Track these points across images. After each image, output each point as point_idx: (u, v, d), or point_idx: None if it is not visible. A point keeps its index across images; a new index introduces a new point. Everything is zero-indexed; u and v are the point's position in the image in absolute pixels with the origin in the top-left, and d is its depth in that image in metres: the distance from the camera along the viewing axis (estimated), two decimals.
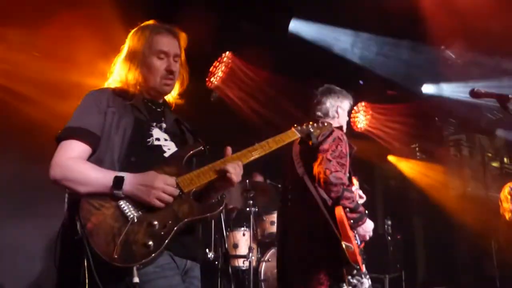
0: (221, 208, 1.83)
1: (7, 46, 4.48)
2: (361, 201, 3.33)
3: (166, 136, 1.97)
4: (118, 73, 2.01)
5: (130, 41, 2.04)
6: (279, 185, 6.11)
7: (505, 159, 8.40)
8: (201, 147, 1.98)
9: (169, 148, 1.93)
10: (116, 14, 4.36)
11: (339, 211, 2.80)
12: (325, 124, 2.35)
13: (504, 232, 5.63)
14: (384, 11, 4.76)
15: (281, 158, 3.26)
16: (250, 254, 4.77)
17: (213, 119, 5.86)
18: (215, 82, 4.93)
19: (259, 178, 5.88)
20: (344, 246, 2.74)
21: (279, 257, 3.20)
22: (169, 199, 1.69)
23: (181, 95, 2.16)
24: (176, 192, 1.72)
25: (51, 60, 4.71)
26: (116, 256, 1.56)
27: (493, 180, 8.01)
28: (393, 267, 6.59)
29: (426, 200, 7.71)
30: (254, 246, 4.97)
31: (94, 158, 1.80)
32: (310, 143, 2.31)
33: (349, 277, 2.84)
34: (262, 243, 5.28)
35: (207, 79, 4.72)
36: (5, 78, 4.48)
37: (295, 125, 2.25)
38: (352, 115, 7.76)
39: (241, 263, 5.00)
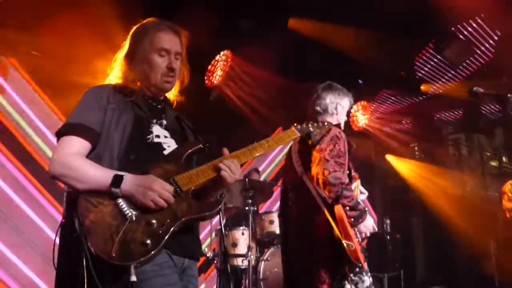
0: (219, 207, 1.82)
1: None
2: (363, 197, 3.34)
3: (166, 133, 1.96)
4: (119, 70, 2.01)
5: (131, 38, 2.03)
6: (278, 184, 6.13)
7: (503, 158, 8.41)
8: (200, 145, 1.97)
9: (169, 145, 1.93)
10: (116, 13, 4.37)
11: (338, 209, 2.80)
12: (325, 123, 2.35)
13: (503, 231, 5.64)
14: (383, 8, 4.76)
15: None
16: (249, 253, 4.77)
17: (212, 118, 5.87)
18: (214, 81, 4.93)
19: (255, 176, 5.88)
20: (345, 244, 2.74)
21: (283, 259, 3.20)
22: (164, 204, 1.68)
23: (181, 92, 2.16)
24: (172, 199, 1.71)
25: (50, 58, 4.73)
26: (113, 255, 1.56)
27: (491, 179, 8.02)
28: (392, 266, 6.60)
29: (425, 199, 7.73)
30: (253, 245, 4.96)
31: (94, 155, 1.80)
32: (310, 142, 2.30)
33: (351, 275, 2.85)
34: (261, 242, 5.27)
35: (206, 78, 4.71)
36: None
37: (295, 124, 2.24)
38: (351, 114, 7.77)
39: (240, 262, 4.99)
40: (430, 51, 5.55)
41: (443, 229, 7.38)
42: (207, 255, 4.87)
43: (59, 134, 1.82)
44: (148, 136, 1.89)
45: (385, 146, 8.22)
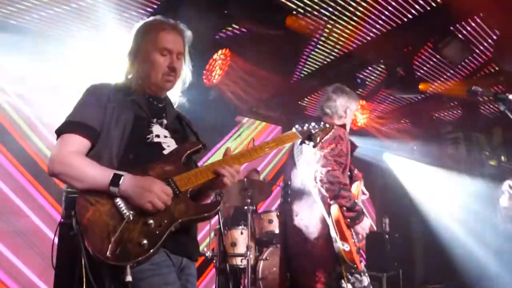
0: (217, 208, 1.82)
1: None
2: (364, 197, 3.35)
3: (166, 132, 1.95)
4: (119, 67, 2.01)
5: (134, 37, 2.03)
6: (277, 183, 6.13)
7: (502, 158, 8.42)
8: (200, 145, 1.97)
9: (169, 145, 1.92)
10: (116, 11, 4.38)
11: (335, 210, 2.81)
12: (327, 125, 2.36)
13: (501, 230, 5.65)
14: (382, 4, 4.76)
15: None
16: (248, 253, 4.77)
17: (212, 117, 5.87)
18: (213, 80, 4.92)
19: (254, 176, 5.88)
20: (340, 245, 2.75)
21: (281, 256, 3.21)
22: (161, 206, 1.68)
23: (183, 92, 2.15)
24: (169, 202, 1.70)
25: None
26: (109, 254, 1.56)
27: (490, 178, 8.02)
28: (391, 266, 6.60)
29: (424, 198, 7.73)
30: (252, 244, 4.96)
31: (93, 153, 1.79)
32: (311, 144, 2.29)
33: (348, 274, 2.85)
34: (260, 242, 5.27)
35: (204, 77, 4.69)
36: None
37: (296, 126, 2.24)
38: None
39: (239, 261, 4.99)
40: (429, 50, 5.55)
41: (441, 228, 7.39)
42: (206, 254, 4.87)
43: (59, 132, 1.81)
44: (148, 136, 1.88)
45: (383, 145, 8.22)
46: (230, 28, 4.97)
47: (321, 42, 5.39)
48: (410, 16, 5.01)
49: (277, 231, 4.99)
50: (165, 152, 1.89)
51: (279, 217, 3.35)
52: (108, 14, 4.43)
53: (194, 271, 1.93)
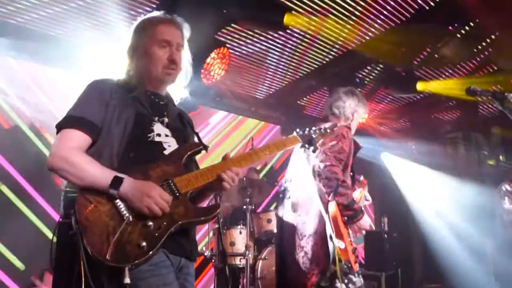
0: (216, 212, 1.82)
1: None
2: (366, 203, 3.35)
3: (167, 131, 1.95)
4: (121, 65, 2.00)
5: (132, 33, 2.03)
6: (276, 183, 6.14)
7: (501, 157, 8.43)
8: (201, 146, 1.97)
9: (170, 144, 1.91)
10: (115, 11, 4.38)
11: (333, 207, 2.80)
12: (328, 130, 2.36)
13: (500, 230, 5.65)
14: (381, 3, 4.76)
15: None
16: (247, 252, 4.77)
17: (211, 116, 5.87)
18: (213, 80, 4.91)
19: (254, 176, 5.88)
20: (335, 243, 2.74)
21: (276, 251, 3.21)
22: (158, 212, 1.67)
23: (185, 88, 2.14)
24: (167, 209, 1.69)
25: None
26: (108, 256, 1.55)
27: (489, 178, 8.03)
28: (389, 265, 6.61)
29: (422, 198, 7.74)
30: (251, 244, 4.97)
31: (93, 150, 1.78)
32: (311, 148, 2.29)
33: (342, 274, 2.85)
34: (259, 241, 5.27)
35: (202, 76, 4.68)
36: None
37: (297, 130, 2.24)
38: None
39: (238, 261, 5.00)
40: (428, 49, 5.55)
41: (440, 227, 7.39)
42: (205, 254, 4.87)
43: (59, 126, 1.80)
44: (149, 135, 1.87)
45: (382, 145, 8.23)
46: (229, 28, 4.96)
47: (319, 41, 5.39)
48: (408, 16, 5.01)
49: (275, 230, 4.99)
50: (166, 152, 1.88)
51: (278, 213, 3.35)
52: (108, 14, 4.43)
53: (192, 271, 1.93)
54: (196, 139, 2.09)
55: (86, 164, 1.70)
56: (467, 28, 5.20)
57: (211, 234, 5.29)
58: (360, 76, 6.10)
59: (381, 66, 6.07)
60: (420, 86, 5.93)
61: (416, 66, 5.91)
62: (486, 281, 6.24)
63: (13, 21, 4.45)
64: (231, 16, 4.55)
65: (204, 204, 2.10)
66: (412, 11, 4.95)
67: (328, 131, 2.38)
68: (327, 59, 5.85)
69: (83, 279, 1.55)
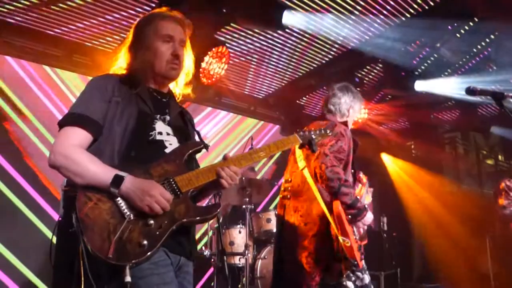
0: (217, 211, 1.82)
1: None
2: (367, 201, 3.34)
3: (169, 129, 1.94)
4: (124, 60, 1.99)
5: (135, 29, 2.02)
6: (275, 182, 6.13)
7: (499, 157, 8.45)
8: (202, 145, 1.96)
9: (171, 143, 1.91)
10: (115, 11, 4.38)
11: (336, 206, 2.80)
12: (328, 131, 2.36)
13: (498, 229, 5.67)
14: (380, 3, 4.77)
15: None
16: (246, 252, 4.78)
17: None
18: (212, 79, 4.91)
19: (251, 175, 5.87)
20: (341, 240, 2.74)
21: (275, 251, 3.21)
22: (159, 211, 1.67)
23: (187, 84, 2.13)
24: (168, 208, 1.70)
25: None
26: (109, 254, 1.55)
27: (487, 177, 8.05)
28: (388, 264, 6.62)
29: (422, 197, 7.74)
30: (250, 243, 4.97)
31: (95, 148, 1.78)
32: (310, 149, 2.29)
33: (349, 272, 2.85)
34: (258, 241, 5.27)
35: (201, 75, 4.67)
36: None
37: (297, 130, 2.25)
38: None
39: (237, 260, 5.00)
40: (427, 49, 5.56)
41: (439, 227, 7.40)
42: (205, 253, 4.87)
43: (61, 124, 1.79)
44: (150, 133, 1.87)
45: (381, 144, 8.23)
46: (228, 27, 4.96)
47: (319, 40, 5.40)
48: (408, 15, 5.02)
49: (275, 230, 4.99)
50: (167, 150, 1.88)
51: (278, 213, 3.34)
52: (106, 13, 4.44)
53: (191, 269, 1.93)
54: (197, 138, 2.09)
55: (87, 162, 1.70)
56: (466, 28, 5.22)
57: (210, 233, 5.29)
58: (360, 75, 6.11)
59: (380, 65, 6.07)
60: (419, 85, 5.93)
61: (416, 65, 5.91)
62: (482, 280, 6.26)
63: (13, 21, 4.45)
64: (230, 15, 4.56)
65: (204, 203, 2.10)
66: (412, 11, 4.97)
67: (328, 132, 2.38)
68: (326, 59, 5.86)
69: (82, 275, 1.55)
